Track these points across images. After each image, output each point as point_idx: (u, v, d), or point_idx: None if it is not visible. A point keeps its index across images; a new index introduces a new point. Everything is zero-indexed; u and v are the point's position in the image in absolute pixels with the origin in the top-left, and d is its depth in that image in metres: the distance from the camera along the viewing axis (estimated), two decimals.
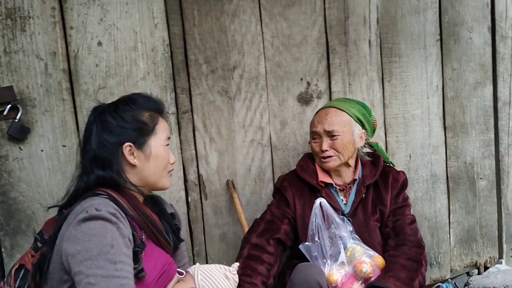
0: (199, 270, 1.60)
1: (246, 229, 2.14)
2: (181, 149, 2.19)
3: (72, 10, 1.93)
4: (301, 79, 2.40)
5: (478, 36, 2.77)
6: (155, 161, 1.53)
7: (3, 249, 1.92)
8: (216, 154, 2.28)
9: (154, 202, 1.66)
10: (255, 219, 2.12)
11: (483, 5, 2.78)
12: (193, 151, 2.23)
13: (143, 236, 1.48)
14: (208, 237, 2.31)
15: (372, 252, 1.92)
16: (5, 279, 1.49)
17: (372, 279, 1.86)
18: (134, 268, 1.37)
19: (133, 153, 1.49)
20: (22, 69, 1.87)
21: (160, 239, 1.54)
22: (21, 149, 1.89)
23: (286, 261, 2.15)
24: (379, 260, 1.92)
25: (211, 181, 2.28)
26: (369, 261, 1.87)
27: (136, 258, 1.38)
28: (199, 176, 2.25)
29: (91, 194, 1.43)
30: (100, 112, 1.51)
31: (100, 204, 1.35)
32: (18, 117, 1.85)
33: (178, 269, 1.62)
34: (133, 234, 1.39)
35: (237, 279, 1.65)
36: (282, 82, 2.37)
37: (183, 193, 2.22)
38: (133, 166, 1.50)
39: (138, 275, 1.38)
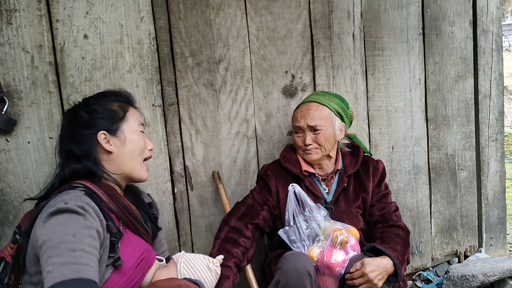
0: (183, 259, 1.64)
1: None
2: (167, 141, 2.23)
3: (58, 3, 1.95)
4: (286, 72, 2.44)
5: (459, 30, 2.83)
6: (131, 145, 1.59)
7: None
8: (202, 146, 2.31)
9: (132, 193, 1.71)
10: (236, 202, 2.17)
11: (465, 0, 2.83)
12: (179, 143, 2.27)
13: (121, 226, 1.52)
14: (194, 227, 2.35)
15: (346, 225, 2.00)
16: None
17: (349, 244, 1.92)
18: (111, 257, 1.41)
19: (108, 141, 1.55)
20: (9, 62, 1.88)
21: (138, 228, 1.58)
22: (8, 141, 1.91)
23: (270, 251, 2.20)
24: (353, 230, 2.00)
25: (197, 172, 2.32)
26: (342, 228, 1.94)
27: (113, 247, 1.42)
28: (185, 167, 2.29)
29: (67, 187, 1.47)
30: (72, 111, 1.60)
31: (71, 198, 1.39)
32: (4, 109, 1.86)
33: (157, 257, 1.66)
34: (108, 224, 1.42)
35: (219, 271, 1.68)
36: (267, 75, 2.41)
37: (169, 184, 2.25)
38: (109, 153, 1.56)
39: (115, 264, 1.42)
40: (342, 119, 2.16)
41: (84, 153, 1.52)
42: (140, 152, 1.62)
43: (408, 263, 2.05)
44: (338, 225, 1.97)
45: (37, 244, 1.33)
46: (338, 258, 1.89)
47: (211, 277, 1.65)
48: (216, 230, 2.35)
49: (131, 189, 1.72)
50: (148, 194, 1.83)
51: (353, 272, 1.86)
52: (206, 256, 1.69)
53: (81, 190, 1.45)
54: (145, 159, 1.67)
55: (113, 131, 1.56)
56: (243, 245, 1.99)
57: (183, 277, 1.59)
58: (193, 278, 1.60)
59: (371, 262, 1.86)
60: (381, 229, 2.08)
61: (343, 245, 1.91)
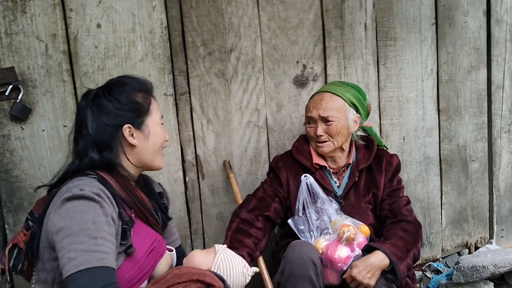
0: (224, 252, 1.63)
1: None
2: (178, 130, 2.24)
3: None
4: (297, 62, 2.44)
5: (473, 20, 2.80)
6: (154, 139, 1.59)
7: (6, 226, 1.99)
8: (213, 135, 2.33)
9: (144, 182, 1.71)
10: (247, 194, 2.18)
11: None
12: (191, 132, 2.28)
13: (133, 215, 1.53)
14: (205, 216, 2.38)
15: (357, 221, 1.99)
16: (0, 258, 1.54)
17: (356, 242, 1.92)
18: (123, 245, 1.43)
19: (132, 134, 1.54)
20: (23, 50, 1.91)
21: (148, 218, 1.59)
22: (22, 128, 1.94)
23: (280, 239, 2.22)
24: (364, 227, 1.99)
25: (208, 161, 2.34)
26: (351, 224, 1.93)
27: (125, 235, 1.43)
28: (196, 156, 2.31)
29: (80, 174, 1.47)
30: (94, 97, 1.54)
31: (85, 184, 1.39)
32: (19, 97, 1.89)
33: (168, 246, 1.66)
34: (120, 212, 1.43)
35: (248, 280, 1.67)
36: (279, 65, 2.41)
37: (181, 173, 2.28)
38: (132, 146, 1.55)
39: (128, 251, 1.43)
40: (357, 111, 2.11)
41: (106, 144, 1.50)
42: (161, 145, 1.63)
43: (417, 258, 2.01)
44: (348, 221, 1.96)
45: (52, 230, 1.34)
46: (342, 254, 1.89)
47: (241, 282, 1.65)
48: (227, 219, 2.38)
49: (143, 178, 1.73)
50: (159, 184, 1.83)
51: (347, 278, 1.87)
52: (244, 262, 1.68)
53: (93, 177, 1.46)
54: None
55: (138, 124, 1.55)
56: (254, 236, 2.00)
57: (215, 269, 1.59)
58: (225, 274, 1.59)
59: (358, 263, 1.85)
60: (389, 225, 2.06)
61: (349, 241, 1.90)
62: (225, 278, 1.54)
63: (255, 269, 1.70)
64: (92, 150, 1.50)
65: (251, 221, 2.03)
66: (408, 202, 2.16)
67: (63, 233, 1.32)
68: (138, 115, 1.55)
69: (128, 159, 1.55)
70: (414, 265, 2.10)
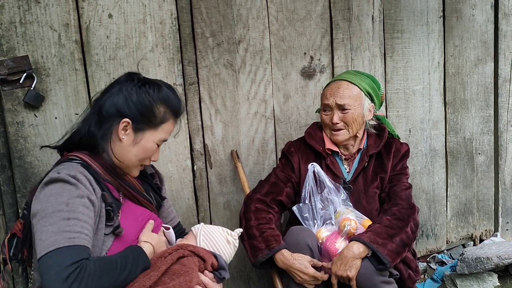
0: (202, 231, 1.68)
1: None
2: (187, 119, 2.28)
3: None
4: (305, 53, 2.47)
5: (480, 13, 2.81)
6: (139, 150, 1.57)
7: (19, 211, 2.04)
8: (221, 125, 2.37)
9: None
10: (260, 180, 2.22)
11: None
12: (199, 122, 2.32)
13: (121, 197, 1.58)
14: (213, 205, 2.42)
15: (362, 216, 2.00)
16: (0, 248, 1.58)
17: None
18: (109, 226, 1.47)
19: (126, 130, 1.55)
20: (37, 40, 1.95)
21: (139, 199, 1.63)
22: (36, 116, 1.99)
23: (287, 225, 2.26)
24: (367, 222, 1.99)
25: (216, 151, 2.38)
26: (354, 219, 1.94)
27: (109, 216, 1.47)
28: (204, 146, 2.35)
29: (64, 159, 1.53)
30: (130, 80, 1.58)
31: (65, 168, 1.44)
32: (33, 85, 1.94)
33: (164, 225, 1.70)
34: (103, 194, 1.47)
35: (237, 244, 1.72)
36: (286, 56, 2.44)
37: (189, 162, 2.32)
38: (119, 140, 1.55)
39: (115, 232, 1.48)
40: (372, 100, 2.13)
41: (104, 121, 1.53)
42: (142, 160, 1.60)
43: (408, 242, 1.95)
44: (352, 215, 1.96)
45: (31, 213, 1.40)
46: (340, 247, 1.92)
47: (230, 249, 1.69)
48: (234, 208, 2.43)
49: None
50: (152, 165, 1.83)
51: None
52: (225, 229, 1.72)
53: (77, 162, 1.50)
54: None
55: (137, 127, 1.55)
56: (272, 213, 2.06)
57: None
58: (211, 250, 1.65)
59: (335, 260, 1.88)
60: (382, 210, 2.07)
61: (349, 235, 1.92)
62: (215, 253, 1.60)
63: (238, 230, 1.73)
64: (94, 119, 1.55)
65: (266, 201, 2.08)
66: (408, 187, 2.13)
67: (38, 216, 1.36)
68: (144, 121, 1.55)
69: (111, 149, 1.56)
70: (418, 253, 2.10)
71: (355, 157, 2.17)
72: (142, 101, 1.54)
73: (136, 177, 1.67)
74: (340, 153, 2.17)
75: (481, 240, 3.03)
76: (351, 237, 1.92)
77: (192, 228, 1.72)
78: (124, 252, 1.45)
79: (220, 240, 1.68)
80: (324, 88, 2.19)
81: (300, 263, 1.87)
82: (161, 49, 2.18)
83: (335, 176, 2.10)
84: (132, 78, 1.59)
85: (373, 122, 2.23)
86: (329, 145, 2.15)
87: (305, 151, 2.18)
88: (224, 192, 2.43)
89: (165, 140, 1.64)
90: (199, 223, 2.38)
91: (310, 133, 2.20)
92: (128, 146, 1.56)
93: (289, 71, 2.46)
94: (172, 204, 2.03)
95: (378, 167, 2.16)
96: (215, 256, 1.62)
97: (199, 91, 2.30)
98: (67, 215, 1.35)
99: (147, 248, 1.50)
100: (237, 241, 1.73)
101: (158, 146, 1.62)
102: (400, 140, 2.25)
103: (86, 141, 1.55)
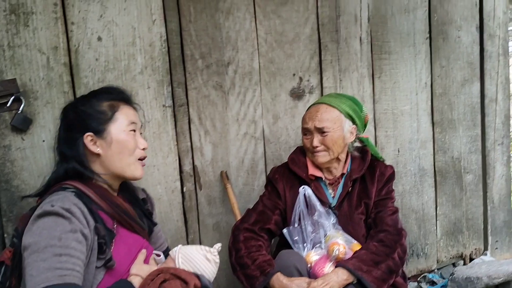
0: (180, 253, 1.63)
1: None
2: (177, 141, 2.28)
3: (73, 6, 2.01)
4: (294, 74, 2.49)
5: (466, 34, 2.86)
6: (118, 146, 1.58)
7: (5, 235, 2.01)
8: (211, 146, 2.37)
9: (126, 190, 1.73)
10: (247, 209, 2.21)
11: (472, 5, 2.87)
12: (189, 143, 2.32)
13: (115, 225, 1.55)
14: (202, 226, 2.41)
15: (351, 239, 1.99)
16: None
17: None
18: (101, 259, 1.45)
19: (95, 142, 1.56)
20: (25, 63, 1.95)
21: (133, 226, 1.61)
22: (23, 139, 1.97)
23: (276, 249, 2.24)
24: (357, 246, 1.98)
25: (206, 172, 2.37)
26: (343, 243, 1.93)
27: (101, 249, 1.45)
28: (194, 167, 2.34)
29: (58, 188, 1.51)
30: (63, 112, 1.65)
31: (59, 199, 1.42)
32: (21, 108, 1.93)
33: (154, 252, 1.68)
34: (96, 227, 1.45)
35: (217, 260, 1.66)
36: (275, 78, 2.45)
37: (178, 183, 2.31)
38: (97, 155, 1.56)
39: (107, 265, 1.45)
40: (354, 122, 2.11)
41: (73, 154, 1.55)
42: (130, 153, 1.60)
43: (395, 269, 1.93)
44: (341, 239, 1.95)
45: (23, 245, 1.37)
46: (329, 272, 1.89)
47: (211, 267, 1.64)
48: (223, 229, 2.41)
49: (126, 185, 1.74)
50: (143, 189, 1.84)
51: None
52: (203, 247, 1.67)
53: (71, 191, 1.48)
54: (141, 159, 1.66)
55: (99, 132, 1.56)
56: (262, 241, 2.05)
57: None
58: (193, 270, 1.60)
59: (318, 279, 1.85)
60: (369, 236, 2.05)
61: (338, 260, 1.91)
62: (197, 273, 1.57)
63: (218, 245, 1.68)
64: (63, 159, 1.57)
65: (255, 232, 2.06)
66: (394, 212, 2.11)
67: (30, 250, 1.34)
68: (99, 123, 1.56)
69: (100, 168, 1.57)
70: (409, 273, 2.09)
71: (339, 182, 2.15)
72: (87, 111, 1.58)
73: (127, 202, 1.65)
74: (324, 178, 2.15)
75: (471, 259, 3.04)
76: (337, 263, 1.91)
77: (170, 252, 1.68)
78: (113, 287, 1.42)
79: (199, 259, 1.64)
80: (305, 113, 2.17)
81: (298, 285, 1.85)
82: (150, 71, 2.18)
83: (321, 201, 2.07)
84: (65, 109, 1.65)
85: (358, 144, 2.22)
86: (312, 171, 2.13)
87: (289, 178, 2.16)
88: (214, 214, 2.42)
89: (135, 123, 1.63)
90: (188, 244, 2.38)
91: (293, 158, 2.19)
92: (107, 152, 1.57)
93: (278, 92, 2.47)
94: (161, 226, 2.02)
95: (362, 192, 2.13)
96: (197, 276, 1.58)
97: (189, 113, 2.30)
98: (59, 251, 1.33)
99: (137, 283, 1.48)
100: (217, 257, 1.67)
101: (134, 131, 1.62)
102: (385, 163, 2.23)
103: (72, 172, 1.55)
